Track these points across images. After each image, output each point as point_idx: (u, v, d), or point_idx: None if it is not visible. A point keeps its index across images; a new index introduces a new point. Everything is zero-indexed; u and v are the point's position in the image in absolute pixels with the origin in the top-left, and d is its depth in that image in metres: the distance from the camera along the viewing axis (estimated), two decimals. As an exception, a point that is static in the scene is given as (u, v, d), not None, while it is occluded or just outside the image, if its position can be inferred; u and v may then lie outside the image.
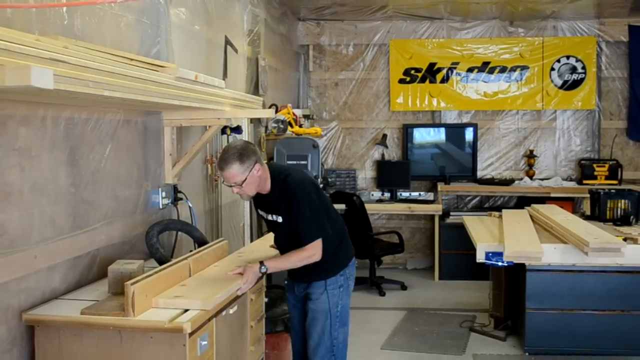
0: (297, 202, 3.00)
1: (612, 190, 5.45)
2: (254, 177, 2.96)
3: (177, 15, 3.87)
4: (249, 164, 2.92)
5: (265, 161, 3.28)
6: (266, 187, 3.08)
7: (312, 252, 3.02)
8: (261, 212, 3.28)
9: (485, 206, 7.62)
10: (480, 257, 4.47)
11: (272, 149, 5.78)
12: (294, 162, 5.37)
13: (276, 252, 3.39)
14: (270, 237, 3.55)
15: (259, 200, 3.22)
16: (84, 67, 2.04)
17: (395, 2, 6.82)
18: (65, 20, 2.66)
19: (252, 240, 5.20)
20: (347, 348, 3.30)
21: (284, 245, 3.19)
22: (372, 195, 7.59)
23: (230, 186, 2.99)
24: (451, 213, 7.30)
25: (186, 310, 2.47)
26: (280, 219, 3.11)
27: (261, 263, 2.98)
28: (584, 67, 7.50)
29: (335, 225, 3.21)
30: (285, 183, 3.04)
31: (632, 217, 5.06)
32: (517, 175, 7.64)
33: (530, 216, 5.41)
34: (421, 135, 7.82)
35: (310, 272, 3.16)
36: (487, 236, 4.73)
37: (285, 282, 3.44)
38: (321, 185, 6.87)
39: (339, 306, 3.20)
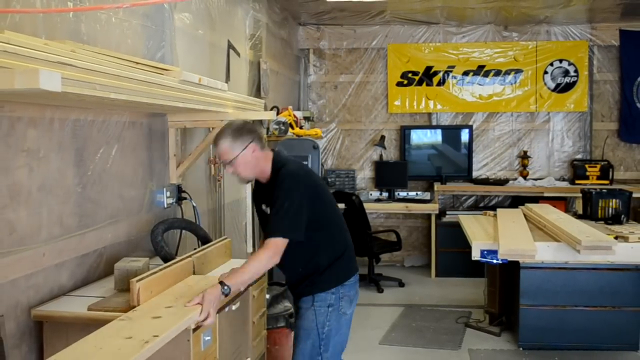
0: (278, 192, 2.67)
1: (604, 190, 5.44)
2: (246, 157, 2.69)
3: (181, 20, 3.86)
4: (242, 143, 2.68)
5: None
6: (265, 173, 2.79)
7: (270, 253, 2.61)
8: (258, 206, 2.98)
9: (481, 205, 7.62)
10: (475, 255, 4.47)
11: (273, 150, 5.76)
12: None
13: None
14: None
15: (258, 193, 2.96)
16: (91, 71, 2.04)
17: (393, 8, 6.82)
18: (72, 24, 2.66)
19: (254, 238, 5.20)
20: None
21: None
22: (371, 194, 7.59)
23: (224, 165, 2.76)
24: (447, 212, 7.29)
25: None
26: (268, 210, 2.80)
27: (221, 283, 2.51)
28: (576, 71, 7.50)
29: (336, 239, 2.88)
30: (279, 173, 2.73)
31: (623, 216, 5.05)
32: (511, 175, 7.64)
33: (524, 215, 5.41)
34: (418, 137, 7.82)
35: (300, 284, 2.87)
36: (482, 235, 4.73)
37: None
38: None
39: (325, 327, 2.81)
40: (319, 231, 2.78)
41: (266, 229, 2.80)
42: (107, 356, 1.89)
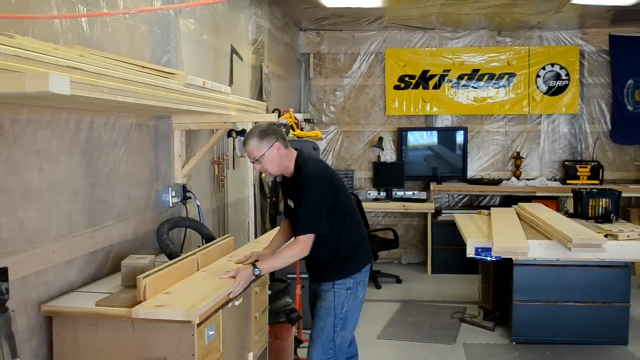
0: (301, 193, 2.90)
1: (594, 190, 5.44)
2: (273, 155, 2.91)
3: (186, 25, 3.86)
4: (269, 141, 2.89)
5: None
6: (290, 169, 3.01)
7: (301, 247, 2.90)
8: (285, 199, 3.20)
9: (475, 205, 7.62)
10: (470, 252, 4.48)
11: (275, 151, 5.76)
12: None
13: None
14: (265, 239, 3.42)
15: (285, 185, 3.16)
16: (99, 74, 2.04)
17: (391, 13, 6.82)
18: (83, 30, 2.66)
19: (256, 237, 5.19)
20: (343, 355, 3.15)
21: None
22: (369, 194, 7.58)
23: (253, 162, 2.97)
24: (443, 211, 7.30)
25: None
26: (293, 205, 3.04)
27: (254, 265, 2.85)
28: (567, 74, 7.50)
29: (353, 230, 3.09)
30: (300, 171, 2.96)
31: (612, 214, 5.05)
32: (504, 175, 7.64)
33: (517, 214, 5.41)
34: (415, 138, 7.82)
35: (322, 272, 3.08)
36: (476, 233, 4.73)
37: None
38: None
39: (344, 307, 3.06)
40: (338, 223, 3.00)
41: (293, 224, 3.02)
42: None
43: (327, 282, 3.08)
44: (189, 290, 2.60)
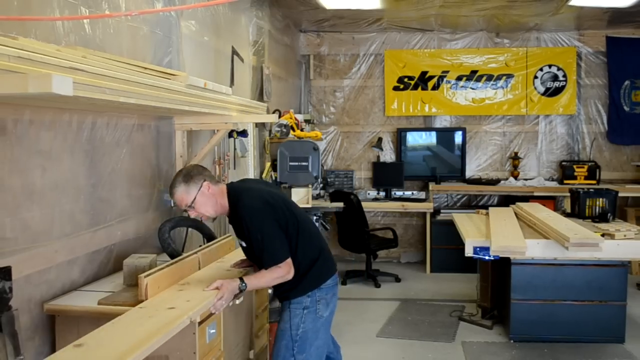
0: (247, 230, 2.65)
1: (591, 190, 5.44)
2: (204, 196, 2.67)
3: (187, 27, 3.86)
4: (197, 183, 2.66)
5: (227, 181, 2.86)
6: (225, 208, 2.74)
7: (284, 271, 2.64)
8: (238, 239, 2.87)
9: (473, 204, 7.62)
10: (468, 252, 4.47)
11: (275, 152, 5.76)
12: (296, 164, 5.37)
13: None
14: None
15: (232, 225, 2.85)
16: (101, 76, 2.04)
17: (390, 15, 6.81)
18: (86, 31, 2.66)
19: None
20: None
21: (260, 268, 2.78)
22: (369, 194, 7.58)
23: (185, 210, 2.72)
24: (441, 211, 7.29)
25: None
26: (244, 244, 2.79)
27: (241, 279, 2.61)
28: (564, 76, 7.50)
29: (308, 245, 2.80)
30: (237, 209, 2.68)
31: (609, 214, 5.05)
32: (502, 175, 7.64)
33: (515, 214, 5.40)
34: (414, 139, 7.82)
35: (280, 289, 2.83)
36: (475, 232, 4.72)
37: None
38: (321, 185, 6.92)
39: (299, 328, 2.77)
40: (291, 240, 2.73)
41: (257, 263, 2.77)
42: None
43: (285, 301, 2.84)
44: (164, 305, 2.32)
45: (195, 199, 2.65)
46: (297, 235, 2.76)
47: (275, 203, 2.72)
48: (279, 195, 2.84)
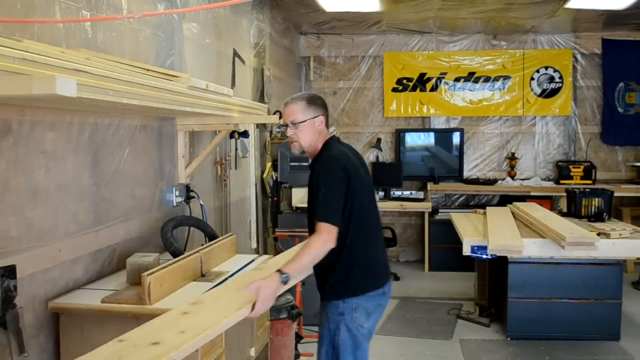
0: (315, 176, 2.49)
1: (587, 190, 5.44)
2: (312, 126, 2.56)
3: (189, 29, 3.86)
4: (315, 111, 2.57)
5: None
6: (316, 150, 2.61)
7: (323, 237, 2.35)
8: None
9: (471, 204, 7.62)
10: (466, 251, 4.47)
11: (276, 152, 5.76)
12: (296, 164, 5.37)
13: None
14: (274, 263, 2.84)
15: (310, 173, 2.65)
16: (105, 77, 2.04)
17: (389, 18, 6.81)
18: (89, 34, 2.66)
19: (258, 235, 5.19)
20: None
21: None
22: (368, 194, 7.57)
23: (286, 125, 2.58)
24: (440, 210, 7.30)
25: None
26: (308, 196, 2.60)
27: (279, 271, 2.29)
28: (561, 77, 7.50)
29: (365, 240, 2.54)
30: (321, 156, 2.57)
31: (604, 214, 5.05)
32: (500, 175, 7.64)
33: (512, 213, 5.40)
34: (412, 139, 7.82)
35: (320, 283, 2.61)
36: (472, 231, 4.72)
37: None
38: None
39: (337, 335, 2.52)
40: (352, 224, 2.49)
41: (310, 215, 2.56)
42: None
43: (322, 300, 2.60)
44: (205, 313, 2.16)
45: (304, 122, 2.55)
46: (358, 222, 2.51)
47: (353, 175, 2.51)
48: (363, 178, 2.63)
